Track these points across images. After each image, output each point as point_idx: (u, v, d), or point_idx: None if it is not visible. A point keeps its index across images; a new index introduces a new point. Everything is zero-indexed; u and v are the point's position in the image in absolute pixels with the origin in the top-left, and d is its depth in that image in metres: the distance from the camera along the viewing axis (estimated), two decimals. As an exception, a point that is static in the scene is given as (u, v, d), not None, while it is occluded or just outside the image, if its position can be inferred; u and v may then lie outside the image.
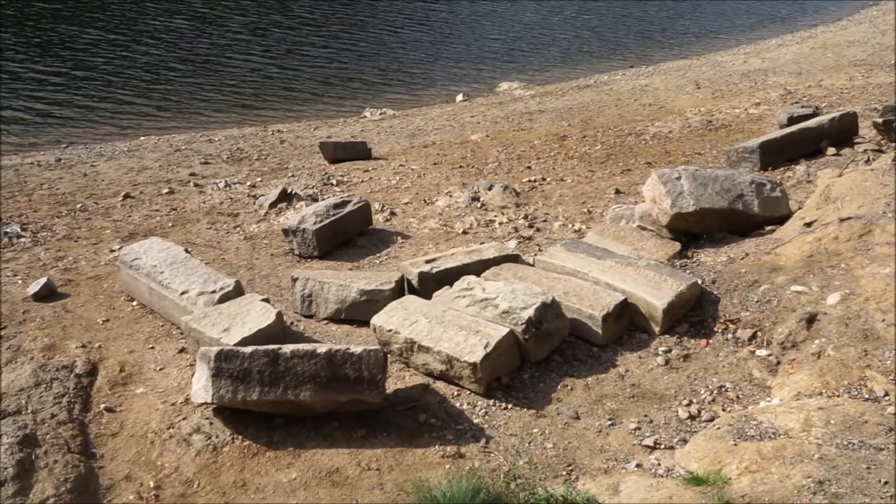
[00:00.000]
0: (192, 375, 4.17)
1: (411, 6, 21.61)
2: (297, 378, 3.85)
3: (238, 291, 4.99)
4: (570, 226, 6.79)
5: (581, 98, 13.00)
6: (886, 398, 3.74)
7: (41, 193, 8.19)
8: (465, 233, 6.78)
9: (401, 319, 4.55)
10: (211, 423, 3.99)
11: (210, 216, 7.39)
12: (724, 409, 4.14)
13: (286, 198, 7.58)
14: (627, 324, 4.83)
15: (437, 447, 3.89)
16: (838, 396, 3.85)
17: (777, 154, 7.56)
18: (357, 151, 9.74)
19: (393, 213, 7.36)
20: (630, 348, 4.70)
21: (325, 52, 16.49)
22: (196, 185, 8.56)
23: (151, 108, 12.59)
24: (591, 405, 4.24)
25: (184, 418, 4.05)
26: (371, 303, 5.02)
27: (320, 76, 14.99)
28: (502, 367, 4.36)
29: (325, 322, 5.17)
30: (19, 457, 3.73)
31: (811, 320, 4.45)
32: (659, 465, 3.69)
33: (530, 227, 6.83)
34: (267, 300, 4.80)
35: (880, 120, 7.75)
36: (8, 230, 6.79)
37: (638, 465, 3.73)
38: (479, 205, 7.44)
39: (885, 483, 3.06)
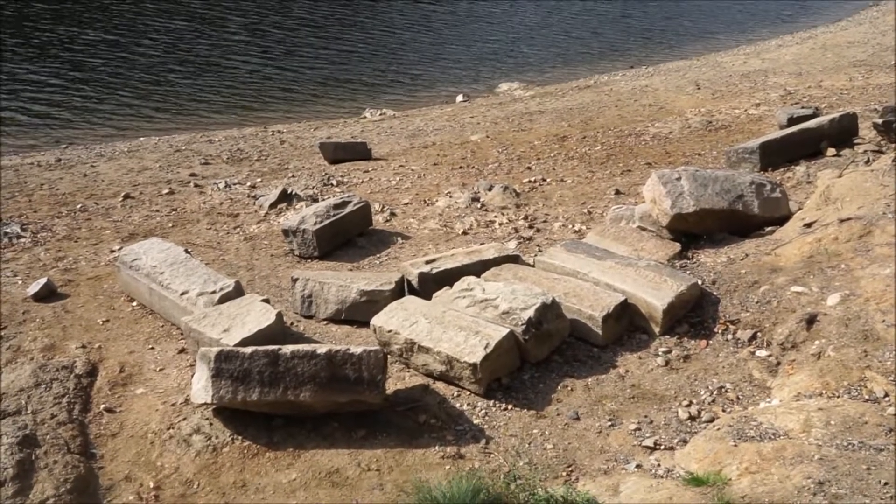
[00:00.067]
0: (192, 376, 4.17)
1: (411, 7, 21.62)
2: (297, 378, 3.85)
3: (238, 292, 4.99)
4: (570, 226, 6.79)
5: (581, 99, 13.00)
6: (886, 399, 3.74)
7: (41, 194, 8.19)
8: (465, 233, 6.78)
9: (401, 320, 4.55)
10: (211, 424, 3.99)
11: (210, 217, 7.40)
12: (724, 410, 4.14)
13: (286, 198, 7.58)
14: (627, 324, 4.83)
15: (437, 448, 3.89)
16: (838, 397, 3.85)
17: (777, 155, 7.56)
18: (357, 152, 9.75)
19: (393, 214, 7.36)
20: (630, 349, 4.70)
21: (324, 53, 16.48)
22: (196, 185, 8.56)
23: (151, 109, 12.59)
24: (591, 406, 4.24)
25: (184, 419, 4.05)
26: (371, 303, 5.02)
27: (320, 77, 14.99)
28: (502, 367, 4.36)
29: (325, 322, 5.17)
30: (19, 457, 3.73)
31: (811, 321, 4.45)
32: (659, 465, 3.69)
33: (530, 227, 6.83)
34: (267, 301, 4.80)
35: (880, 121, 7.75)
36: (8, 230, 6.79)
37: (638, 466, 3.73)
38: (479, 205, 7.44)
39: (885, 484, 3.06)
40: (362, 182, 8.59)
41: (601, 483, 3.55)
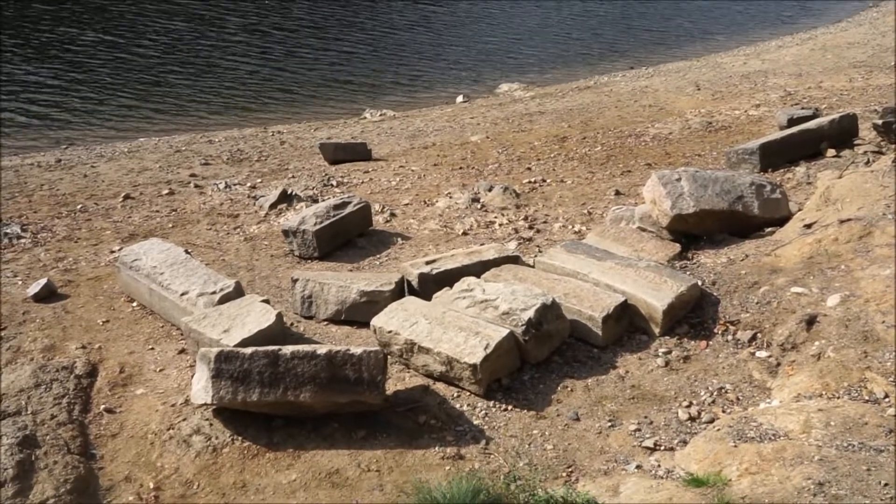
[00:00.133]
0: (192, 376, 4.17)
1: (411, 7, 21.62)
2: (297, 379, 3.85)
3: (238, 292, 4.99)
4: (570, 227, 6.79)
5: (581, 99, 13.00)
6: (886, 400, 3.74)
7: (41, 194, 8.19)
8: (465, 234, 6.78)
9: (401, 321, 4.55)
10: (211, 425, 3.99)
11: (210, 217, 7.40)
12: (724, 411, 4.14)
13: (286, 199, 7.59)
14: (627, 325, 4.84)
15: (437, 448, 3.89)
16: (838, 398, 3.85)
17: (777, 155, 7.56)
18: (357, 152, 9.75)
19: (393, 215, 7.36)
20: (630, 349, 4.70)
21: (324, 54, 16.49)
22: (196, 186, 8.56)
23: (151, 110, 12.59)
24: (591, 406, 4.24)
25: (184, 419, 4.05)
26: (371, 304, 5.02)
27: (320, 77, 14.99)
28: (502, 368, 4.36)
29: (325, 323, 5.17)
30: (19, 458, 3.73)
31: (811, 322, 4.45)
32: (659, 466, 3.70)
33: (530, 228, 6.83)
34: (267, 301, 4.80)
35: (880, 122, 7.75)
36: (8, 231, 6.79)
37: (638, 467, 3.73)
38: (479, 206, 7.44)
39: (886, 485, 3.06)
40: (362, 183, 8.59)
41: (601, 484, 3.55)
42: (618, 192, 7.65)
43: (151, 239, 5.85)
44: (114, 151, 10.26)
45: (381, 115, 12.78)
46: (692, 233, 5.78)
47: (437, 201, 7.68)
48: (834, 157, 7.56)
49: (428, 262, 5.44)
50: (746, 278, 5.08)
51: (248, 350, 3.91)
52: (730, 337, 4.72)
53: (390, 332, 4.50)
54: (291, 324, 5.12)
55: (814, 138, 7.78)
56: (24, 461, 3.72)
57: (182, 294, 4.99)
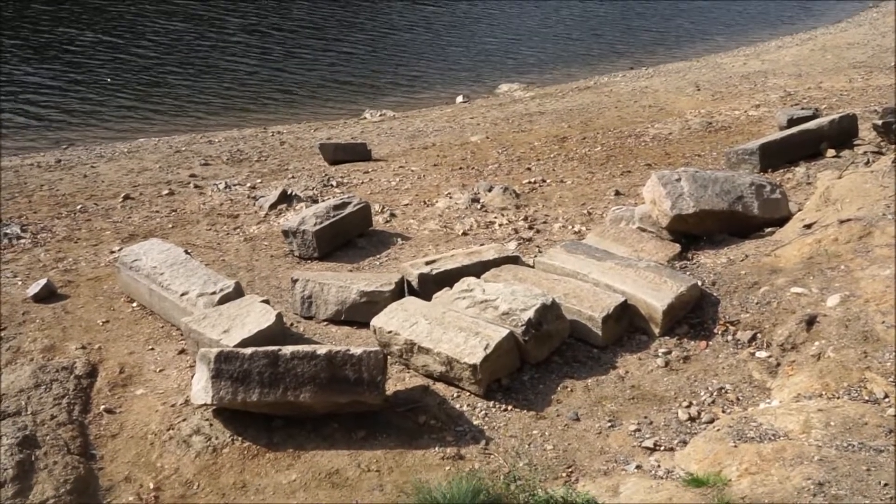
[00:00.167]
0: (192, 377, 4.17)
1: (411, 8, 21.62)
2: (296, 379, 3.85)
3: (238, 293, 4.99)
4: (569, 227, 6.79)
5: (581, 100, 13.00)
6: (886, 400, 3.74)
7: (41, 195, 8.19)
8: (465, 234, 6.78)
9: (401, 321, 4.55)
10: (211, 425, 3.99)
11: (210, 217, 7.40)
12: (723, 411, 4.14)
13: (286, 199, 7.59)
14: (627, 325, 4.84)
15: (437, 448, 3.89)
16: (838, 398, 3.85)
17: (777, 156, 7.57)
18: (357, 153, 9.75)
19: (393, 215, 7.36)
20: (630, 350, 4.70)
21: (324, 54, 16.48)
22: (196, 186, 8.56)
23: (151, 110, 12.59)
24: (591, 407, 4.24)
25: (183, 420, 4.05)
26: (371, 304, 5.02)
27: (320, 78, 14.99)
28: (502, 368, 4.36)
29: (325, 323, 5.17)
30: (19, 458, 3.73)
31: (811, 322, 4.45)
32: (659, 466, 3.70)
33: (530, 228, 6.83)
34: (267, 301, 4.80)
35: (880, 122, 7.75)
36: (8, 231, 6.79)
37: (638, 467, 3.73)
38: (479, 206, 7.45)
39: (885, 485, 3.06)
40: (362, 183, 8.59)
41: (601, 484, 3.56)
42: (618, 193, 7.65)
43: (151, 239, 5.85)
44: (113, 152, 10.26)
45: (380, 115, 12.78)
46: (692, 233, 5.78)
47: (436, 202, 7.68)
48: (834, 157, 7.56)
49: (428, 263, 5.44)
50: (746, 278, 5.09)
51: (248, 350, 3.91)
52: (730, 337, 4.72)
53: (390, 332, 4.50)
54: (291, 324, 5.12)
55: (813, 139, 7.79)
56: (24, 461, 3.72)
57: (182, 294, 4.99)
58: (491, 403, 4.22)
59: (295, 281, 5.30)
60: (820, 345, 4.27)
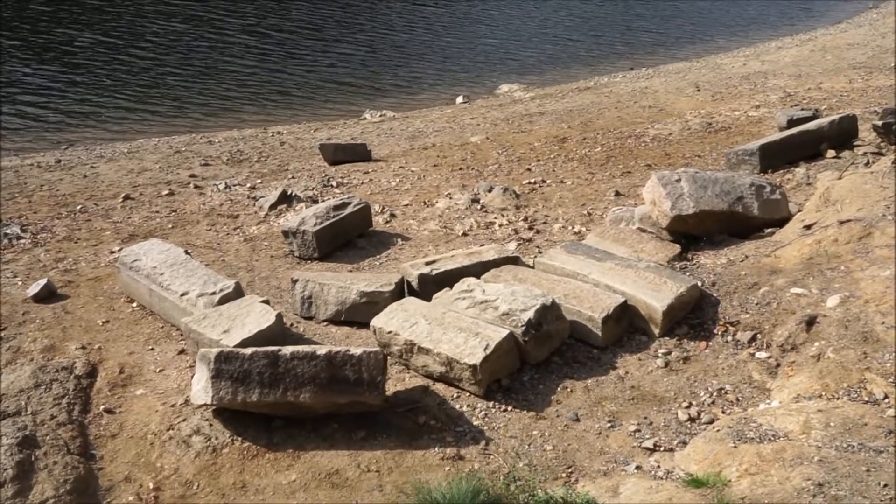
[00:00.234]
0: (192, 377, 4.17)
1: (410, 8, 21.63)
2: (296, 380, 3.85)
3: (238, 293, 4.99)
4: (569, 228, 6.80)
5: (581, 100, 13.01)
6: (886, 401, 3.74)
7: (41, 195, 8.19)
8: (464, 235, 6.78)
9: (401, 321, 4.55)
10: (210, 425, 3.98)
11: (210, 218, 7.40)
12: (723, 412, 4.14)
13: (286, 199, 7.59)
14: (627, 326, 4.84)
15: (436, 449, 3.89)
16: (838, 399, 3.85)
17: (777, 156, 7.57)
18: (357, 153, 9.75)
19: (393, 215, 7.36)
20: (630, 350, 4.71)
21: (324, 55, 16.49)
22: (196, 186, 8.56)
23: (150, 111, 12.59)
24: (591, 407, 4.24)
25: (183, 420, 4.05)
26: (371, 304, 5.02)
27: (320, 78, 14.99)
28: (502, 368, 4.36)
29: (325, 324, 5.17)
30: (19, 458, 3.72)
31: (811, 322, 4.45)
32: (658, 467, 3.69)
33: (530, 229, 6.83)
34: (267, 302, 4.80)
35: (880, 122, 7.76)
36: (8, 231, 6.79)
37: (637, 467, 3.73)
38: (479, 207, 7.45)
39: (885, 486, 3.06)
40: (362, 183, 8.59)
41: (601, 484, 3.56)
42: (618, 193, 7.66)
43: (151, 239, 5.85)
44: (113, 152, 10.26)
45: (380, 115, 12.78)
46: (692, 234, 5.78)
47: (436, 202, 7.68)
48: (834, 158, 7.57)
49: (428, 263, 5.44)
50: (746, 279, 5.09)
51: (248, 350, 3.91)
52: (729, 338, 4.72)
53: (390, 332, 4.50)
54: (291, 324, 5.12)
55: (813, 139, 7.79)
56: (24, 461, 3.72)
57: (182, 294, 4.99)
58: (491, 404, 4.22)
59: (295, 281, 5.31)
60: (820, 345, 4.28)
